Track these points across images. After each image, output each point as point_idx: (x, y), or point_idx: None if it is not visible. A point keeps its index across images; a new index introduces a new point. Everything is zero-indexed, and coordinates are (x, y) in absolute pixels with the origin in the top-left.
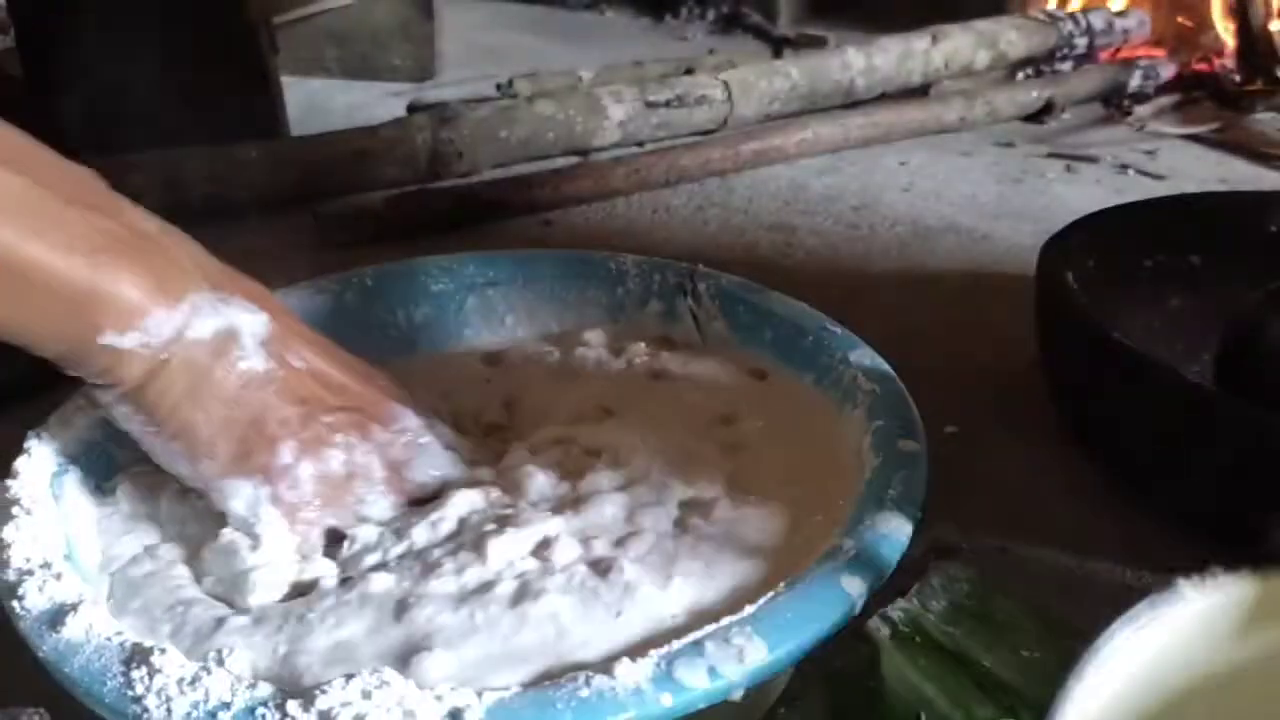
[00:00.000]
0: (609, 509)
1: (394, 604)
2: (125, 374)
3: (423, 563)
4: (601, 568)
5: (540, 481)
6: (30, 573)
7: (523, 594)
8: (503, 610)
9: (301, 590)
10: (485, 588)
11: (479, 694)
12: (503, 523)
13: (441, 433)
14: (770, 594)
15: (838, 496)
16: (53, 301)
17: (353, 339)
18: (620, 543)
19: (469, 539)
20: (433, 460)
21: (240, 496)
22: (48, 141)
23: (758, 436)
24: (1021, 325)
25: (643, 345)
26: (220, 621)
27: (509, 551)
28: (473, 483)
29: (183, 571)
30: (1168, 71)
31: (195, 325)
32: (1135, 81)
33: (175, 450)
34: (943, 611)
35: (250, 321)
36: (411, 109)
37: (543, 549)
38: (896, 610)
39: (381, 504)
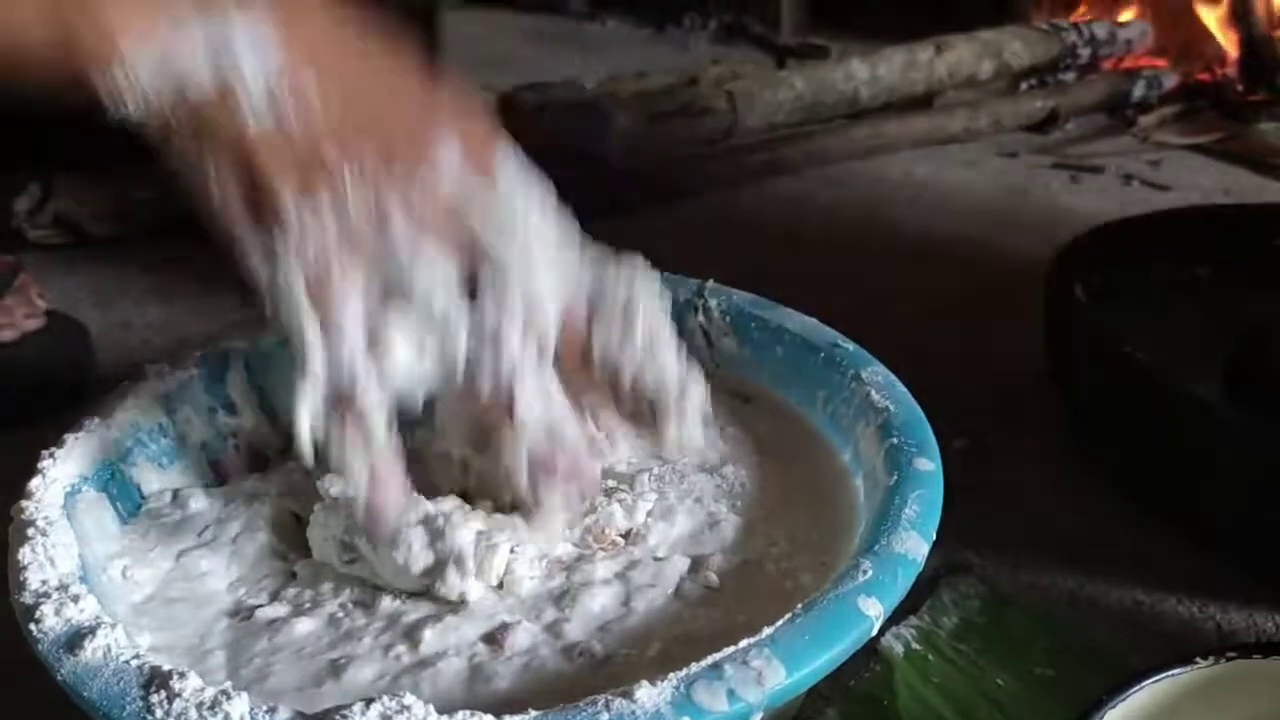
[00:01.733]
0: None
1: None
2: (135, 119)
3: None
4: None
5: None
6: (47, 595)
7: None
8: None
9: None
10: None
11: (499, 718)
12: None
13: None
14: (788, 615)
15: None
16: (33, 56)
17: None
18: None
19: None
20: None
21: (251, 245)
22: None
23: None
24: (1030, 337)
25: None
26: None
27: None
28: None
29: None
30: (1171, 82)
31: (182, 56)
32: (1138, 92)
33: (192, 193)
34: (955, 628)
35: (251, 54)
36: None
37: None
38: (909, 627)
39: (434, 258)
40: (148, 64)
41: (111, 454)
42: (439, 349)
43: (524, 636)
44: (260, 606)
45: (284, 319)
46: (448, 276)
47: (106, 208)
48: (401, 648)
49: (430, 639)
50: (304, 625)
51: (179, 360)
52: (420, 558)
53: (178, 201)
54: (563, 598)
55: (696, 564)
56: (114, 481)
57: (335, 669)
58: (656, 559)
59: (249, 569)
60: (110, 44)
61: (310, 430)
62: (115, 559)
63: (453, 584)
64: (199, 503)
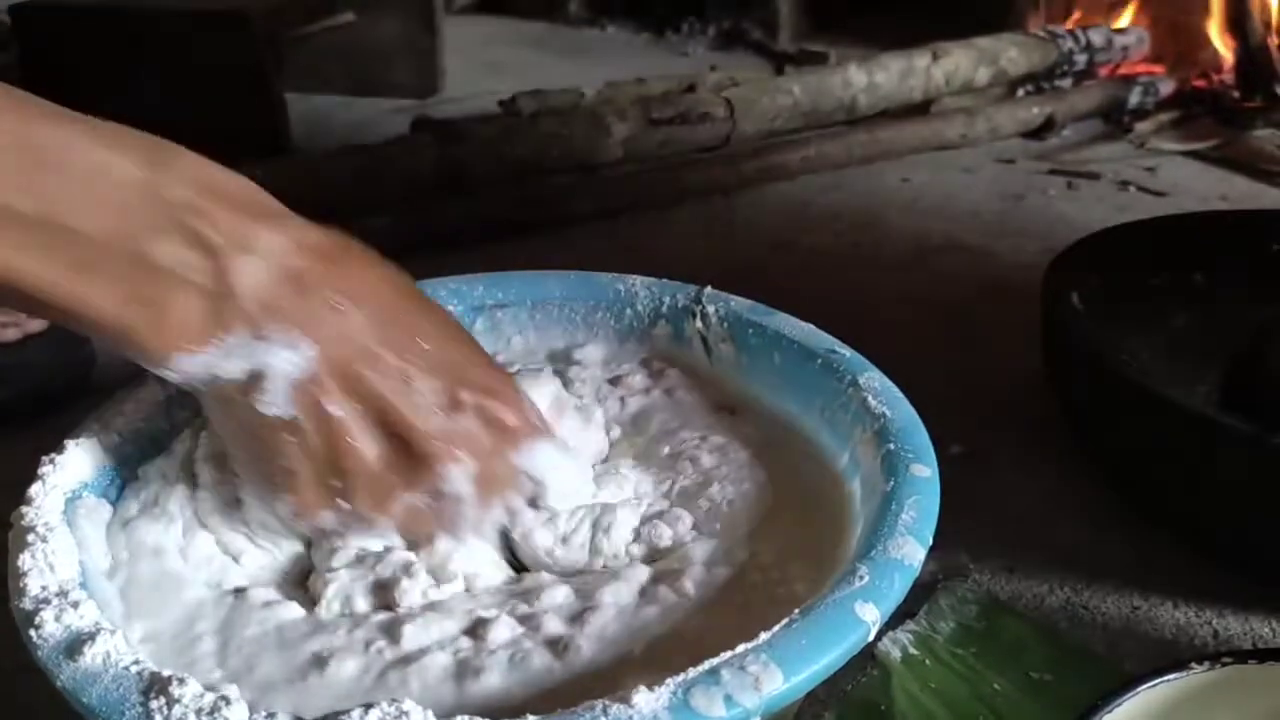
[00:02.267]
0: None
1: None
2: (172, 385)
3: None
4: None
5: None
6: (47, 601)
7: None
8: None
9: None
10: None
11: None
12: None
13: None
14: (785, 621)
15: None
16: (92, 330)
17: None
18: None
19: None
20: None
21: (253, 512)
22: None
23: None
24: (1027, 344)
25: (636, 378)
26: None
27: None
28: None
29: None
30: (1167, 88)
31: (223, 366)
32: (1135, 98)
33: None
34: (952, 633)
35: (283, 363)
36: (416, 126)
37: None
38: (906, 632)
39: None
40: (193, 368)
41: (112, 459)
42: None
43: (504, 629)
44: (251, 587)
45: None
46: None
47: None
48: (381, 643)
49: (411, 633)
50: (288, 611)
51: None
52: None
53: None
54: (527, 594)
55: (671, 573)
56: (114, 487)
57: (318, 661)
58: (608, 568)
59: (182, 531)
60: (165, 353)
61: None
62: (106, 557)
63: (411, 592)
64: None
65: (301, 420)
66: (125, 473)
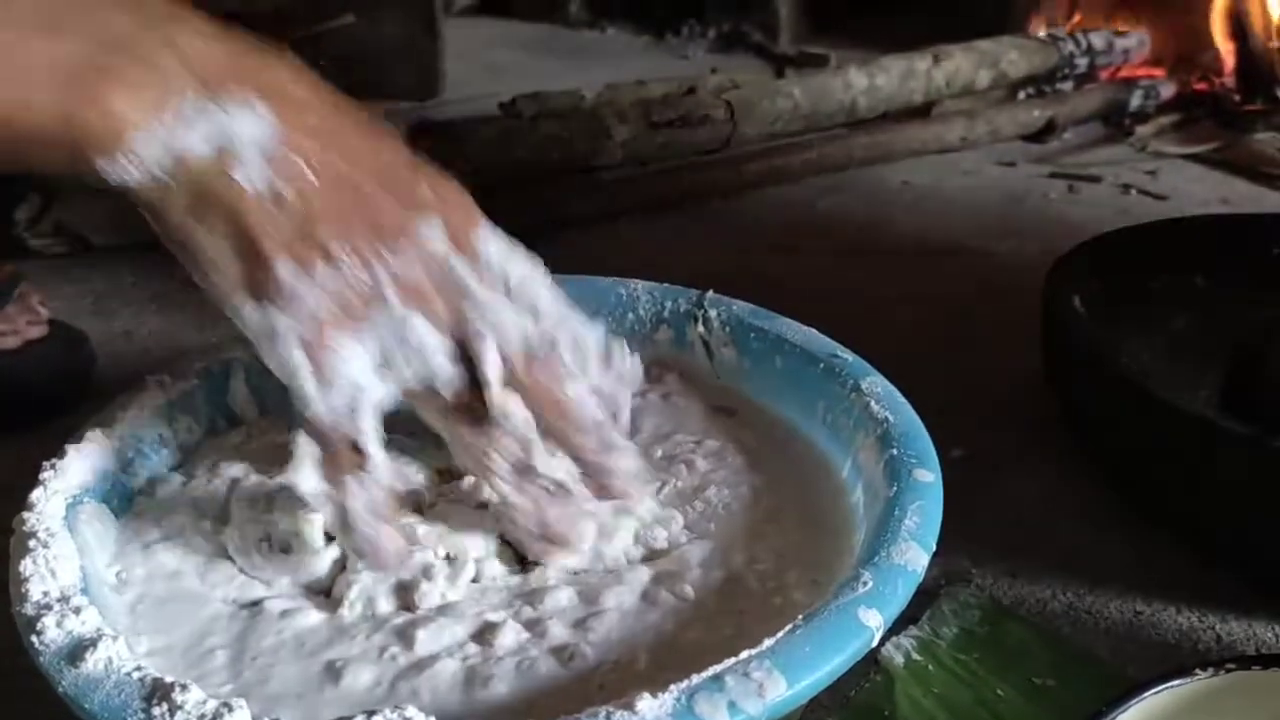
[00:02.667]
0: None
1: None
2: (133, 188)
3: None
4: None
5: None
6: (48, 607)
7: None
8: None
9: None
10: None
11: None
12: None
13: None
14: (789, 627)
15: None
16: (38, 139)
17: None
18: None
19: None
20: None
21: (248, 316)
22: None
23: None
24: (1029, 347)
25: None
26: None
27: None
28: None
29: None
30: (1168, 91)
31: (184, 138)
32: (1136, 101)
33: (187, 263)
34: (955, 639)
35: (250, 127)
36: (415, 128)
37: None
38: (909, 638)
39: (422, 326)
40: (151, 146)
41: (112, 465)
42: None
43: (510, 634)
44: (269, 598)
45: (283, 379)
46: (438, 346)
47: (107, 217)
48: (396, 648)
49: (424, 639)
50: (306, 619)
51: (179, 370)
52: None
53: None
54: (532, 596)
55: (669, 576)
56: (114, 493)
57: (333, 672)
58: (609, 570)
59: (205, 560)
60: (116, 133)
61: (311, 465)
62: (110, 565)
63: (430, 594)
64: (165, 489)
65: (280, 186)
66: (126, 477)
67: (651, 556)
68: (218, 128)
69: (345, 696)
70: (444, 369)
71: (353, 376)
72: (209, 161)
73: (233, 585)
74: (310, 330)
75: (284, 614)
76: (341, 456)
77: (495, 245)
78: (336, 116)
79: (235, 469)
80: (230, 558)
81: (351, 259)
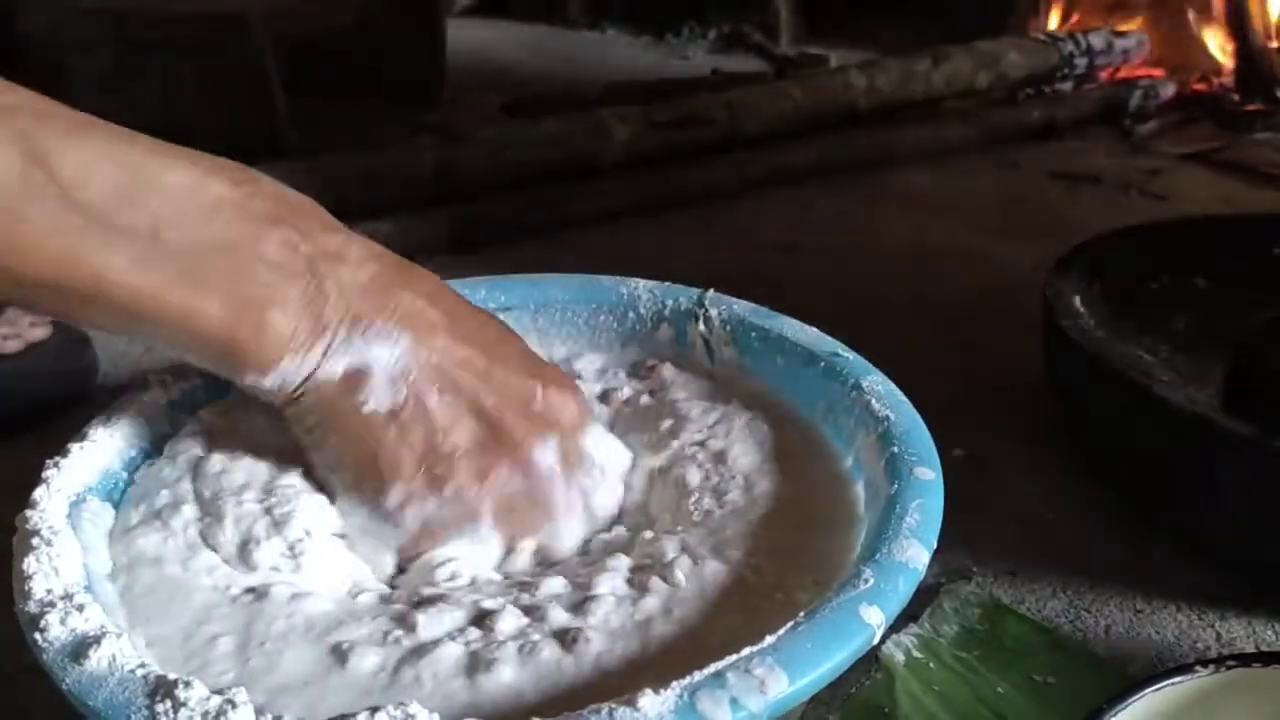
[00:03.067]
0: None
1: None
2: (270, 398)
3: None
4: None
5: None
6: (52, 604)
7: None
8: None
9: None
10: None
11: None
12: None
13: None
14: (790, 624)
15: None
16: (201, 341)
17: None
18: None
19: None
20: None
21: (354, 519)
22: None
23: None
24: (1028, 346)
25: (625, 390)
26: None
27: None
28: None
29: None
30: (1167, 91)
31: (325, 367)
32: (1135, 101)
33: (313, 462)
34: (955, 636)
35: (385, 357)
36: (416, 129)
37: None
38: (910, 635)
39: (492, 537)
40: (293, 373)
41: (115, 463)
42: None
43: (511, 620)
44: (275, 584)
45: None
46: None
47: None
48: (399, 631)
49: (424, 622)
50: (318, 603)
51: (181, 369)
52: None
53: None
54: (525, 586)
55: (661, 564)
56: (118, 490)
57: (340, 654)
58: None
59: (184, 546)
60: (271, 359)
61: None
62: (108, 562)
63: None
64: (140, 473)
65: (402, 411)
66: (129, 476)
67: (636, 540)
68: (356, 358)
69: (352, 684)
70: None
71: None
72: (337, 383)
73: (217, 575)
74: (403, 540)
75: (294, 597)
76: None
77: (601, 446)
78: (466, 328)
79: (194, 447)
80: (210, 546)
81: (464, 489)
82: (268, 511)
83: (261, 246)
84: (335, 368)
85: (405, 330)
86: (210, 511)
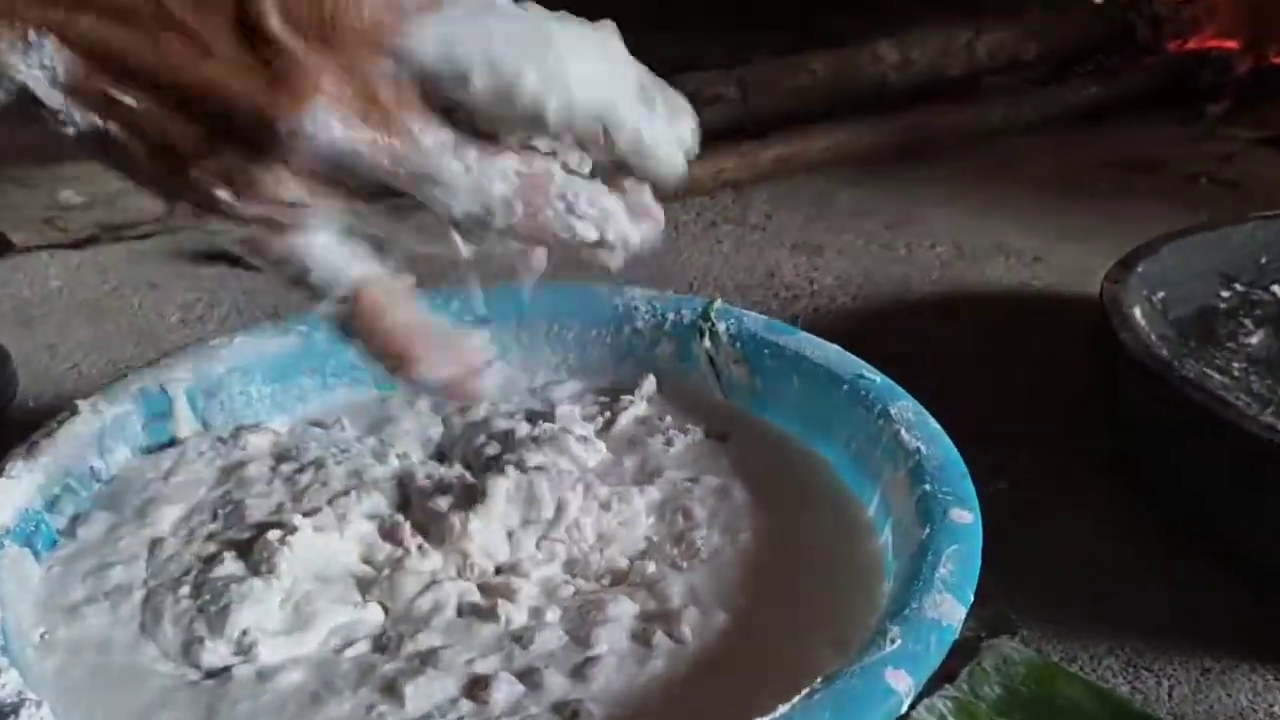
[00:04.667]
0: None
1: None
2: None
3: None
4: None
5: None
6: None
7: None
8: None
9: None
10: None
11: None
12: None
13: None
14: (806, 691)
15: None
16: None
17: (322, 383)
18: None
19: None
20: None
21: None
22: None
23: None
24: (1079, 359)
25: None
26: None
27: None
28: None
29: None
30: (1242, 66)
31: None
32: (1205, 77)
33: None
34: (997, 700)
35: None
36: None
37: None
38: (944, 698)
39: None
40: None
41: (36, 503)
42: None
43: (504, 689)
44: (236, 665)
45: None
46: None
47: (30, 212)
48: (384, 707)
49: (412, 694)
50: (288, 677)
51: (113, 393)
52: None
53: (112, 207)
54: (518, 638)
55: (662, 617)
56: (38, 535)
57: None
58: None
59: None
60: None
61: None
62: (34, 625)
63: None
64: (89, 530)
65: None
66: (52, 517)
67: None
68: None
69: None
70: None
71: None
72: None
73: (175, 663)
74: None
75: (260, 675)
76: None
77: None
78: None
79: (165, 519)
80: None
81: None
82: (201, 610)
83: None
84: None
85: None
86: (150, 606)
